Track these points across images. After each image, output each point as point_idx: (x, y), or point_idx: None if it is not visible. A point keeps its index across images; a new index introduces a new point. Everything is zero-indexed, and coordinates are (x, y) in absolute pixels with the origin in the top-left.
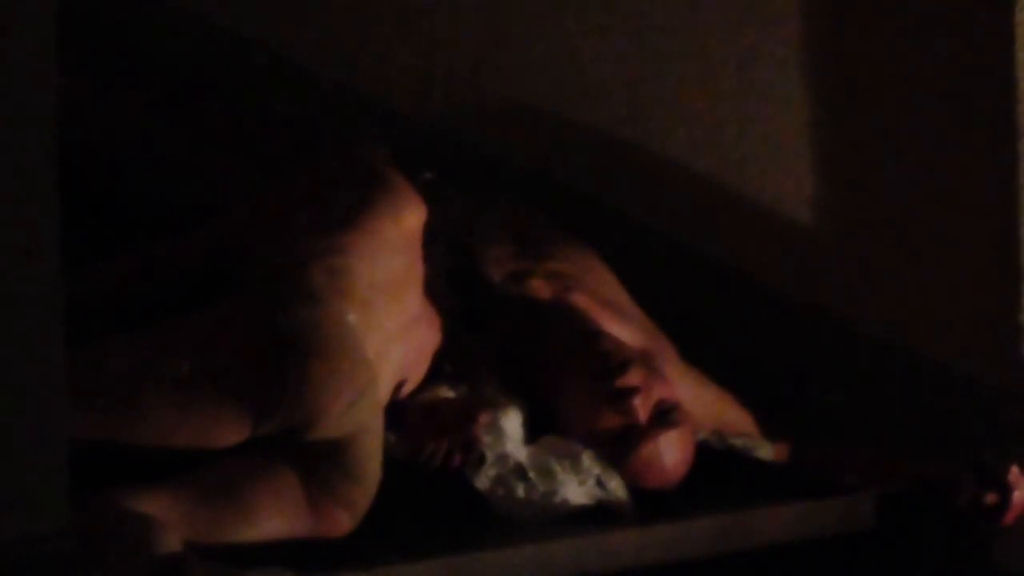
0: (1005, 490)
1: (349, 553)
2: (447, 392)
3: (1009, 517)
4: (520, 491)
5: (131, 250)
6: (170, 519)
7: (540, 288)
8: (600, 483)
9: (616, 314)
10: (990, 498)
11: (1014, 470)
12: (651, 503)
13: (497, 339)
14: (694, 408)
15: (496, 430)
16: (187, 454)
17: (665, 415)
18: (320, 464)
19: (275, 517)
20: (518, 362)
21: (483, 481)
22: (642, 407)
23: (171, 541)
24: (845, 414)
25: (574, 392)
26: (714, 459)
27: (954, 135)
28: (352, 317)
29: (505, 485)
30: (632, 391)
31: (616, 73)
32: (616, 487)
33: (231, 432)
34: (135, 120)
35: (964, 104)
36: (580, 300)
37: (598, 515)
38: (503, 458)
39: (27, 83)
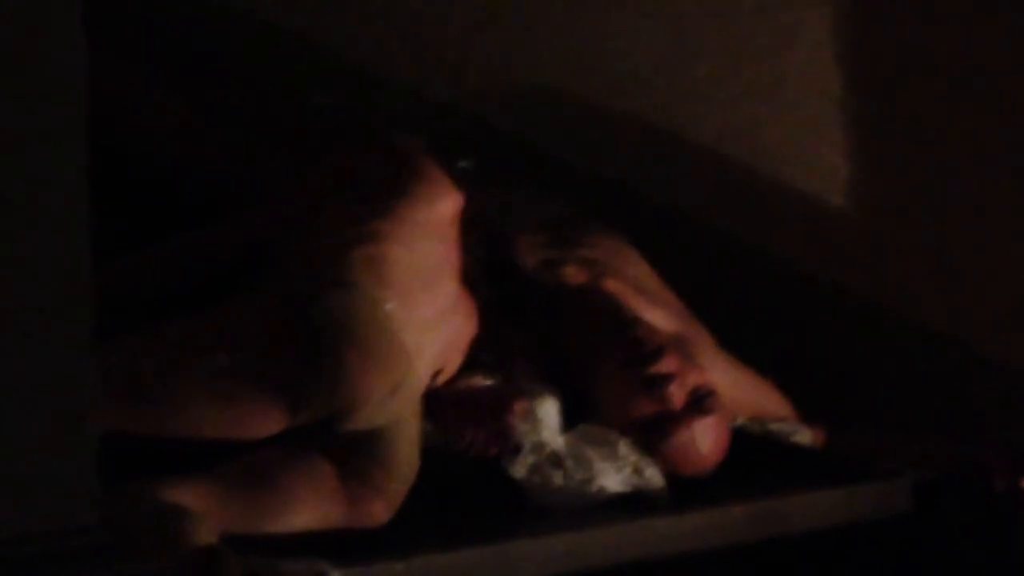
0: None
1: (385, 543)
2: (483, 381)
3: None
4: (556, 479)
5: (164, 241)
6: (205, 510)
7: (574, 275)
8: (636, 470)
9: (650, 301)
10: None
11: None
12: (687, 490)
13: (532, 327)
14: (730, 394)
15: (532, 418)
16: (222, 445)
17: (700, 402)
18: (356, 454)
19: (311, 507)
20: (553, 350)
21: (519, 470)
22: (677, 394)
23: (206, 532)
24: (880, 398)
25: (609, 379)
26: (750, 445)
27: (992, 121)
28: (389, 306)
29: (541, 473)
30: (667, 378)
31: (650, 60)
32: (652, 474)
33: (267, 422)
34: (167, 111)
35: (1003, 88)
36: (614, 287)
37: (634, 503)
38: (539, 446)
39: (57, 73)
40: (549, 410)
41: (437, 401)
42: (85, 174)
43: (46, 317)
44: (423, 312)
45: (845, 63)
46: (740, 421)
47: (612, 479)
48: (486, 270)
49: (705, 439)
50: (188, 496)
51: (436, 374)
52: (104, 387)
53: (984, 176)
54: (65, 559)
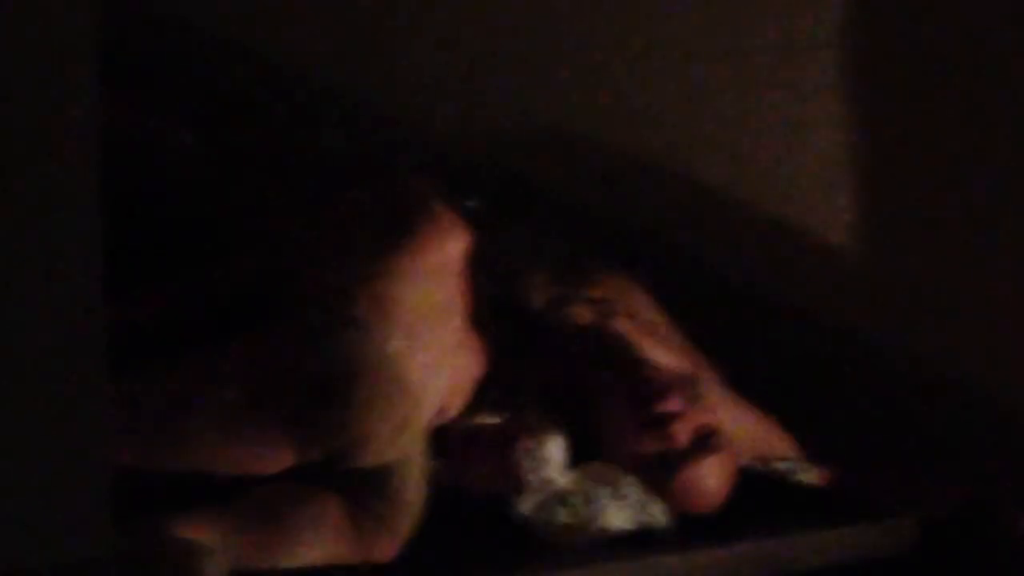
0: None
1: None
2: (489, 418)
3: None
4: (562, 517)
5: (175, 276)
6: (215, 545)
7: (581, 314)
8: (642, 509)
9: (657, 340)
10: None
11: None
12: (692, 528)
13: (539, 365)
14: (736, 433)
15: (538, 456)
16: (232, 480)
17: (706, 440)
18: (364, 491)
19: (319, 543)
20: (560, 388)
21: (525, 507)
22: (683, 432)
23: (216, 568)
24: (886, 437)
25: (615, 417)
26: (756, 484)
27: (1001, 161)
28: (395, 344)
29: (547, 511)
30: (673, 416)
31: (657, 100)
32: (658, 512)
33: (275, 458)
34: (177, 148)
35: (1011, 124)
36: (621, 326)
37: (639, 541)
38: (545, 484)
39: (70, 105)
40: (555, 448)
41: (444, 438)
42: (96, 207)
43: (60, 351)
44: (430, 350)
45: (856, 103)
46: (745, 460)
47: (617, 517)
48: (493, 309)
49: (710, 477)
50: (199, 531)
51: (443, 411)
52: (117, 420)
53: (993, 217)
54: None
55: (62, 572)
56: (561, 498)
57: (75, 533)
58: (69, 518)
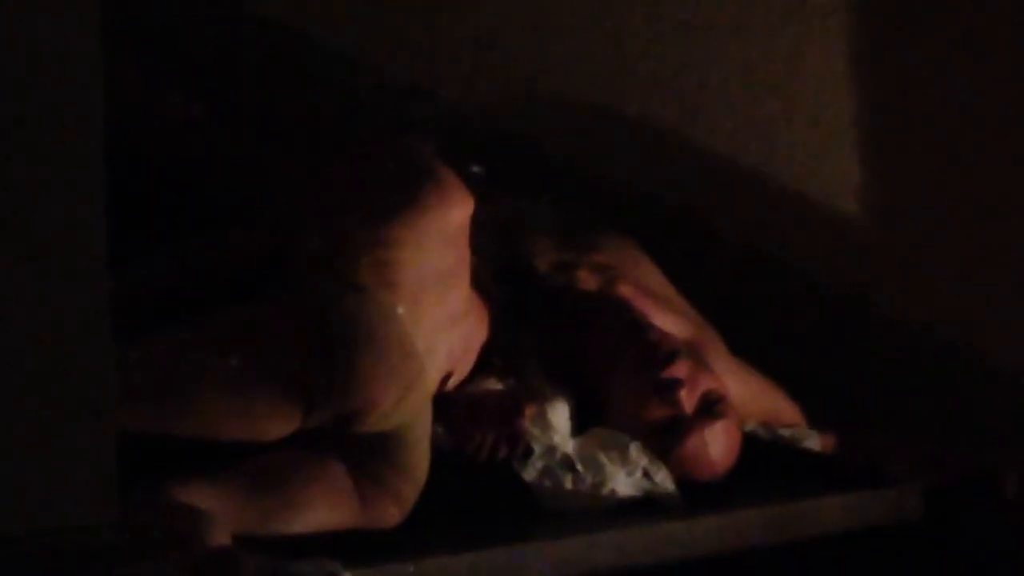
0: None
1: (397, 545)
2: (495, 384)
3: None
4: (567, 483)
5: (179, 245)
6: (219, 511)
7: (586, 280)
8: (647, 475)
9: (662, 305)
10: None
11: None
12: (698, 494)
13: (544, 331)
14: (741, 399)
15: (543, 422)
16: (236, 447)
17: (711, 406)
18: (368, 457)
19: (323, 509)
20: (565, 354)
21: (530, 473)
22: (688, 398)
23: (220, 533)
24: (891, 404)
25: (621, 383)
26: (761, 450)
27: (1007, 123)
28: (400, 310)
29: (552, 477)
30: (678, 382)
31: (663, 66)
32: (663, 479)
33: (280, 425)
34: (179, 114)
35: (1015, 91)
36: (626, 292)
37: (645, 507)
38: (550, 450)
39: (73, 75)
40: (560, 414)
41: (449, 404)
42: (101, 175)
43: (66, 318)
44: (435, 316)
45: (858, 69)
46: (751, 426)
47: (623, 483)
48: (498, 274)
49: (716, 444)
50: (203, 497)
51: (448, 377)
52: (122, 387)
53: (999, 180)
54: (81, 557)
55: (66, 537)
56: (567, 464)
57: (81, 499)
58: (75, 484)
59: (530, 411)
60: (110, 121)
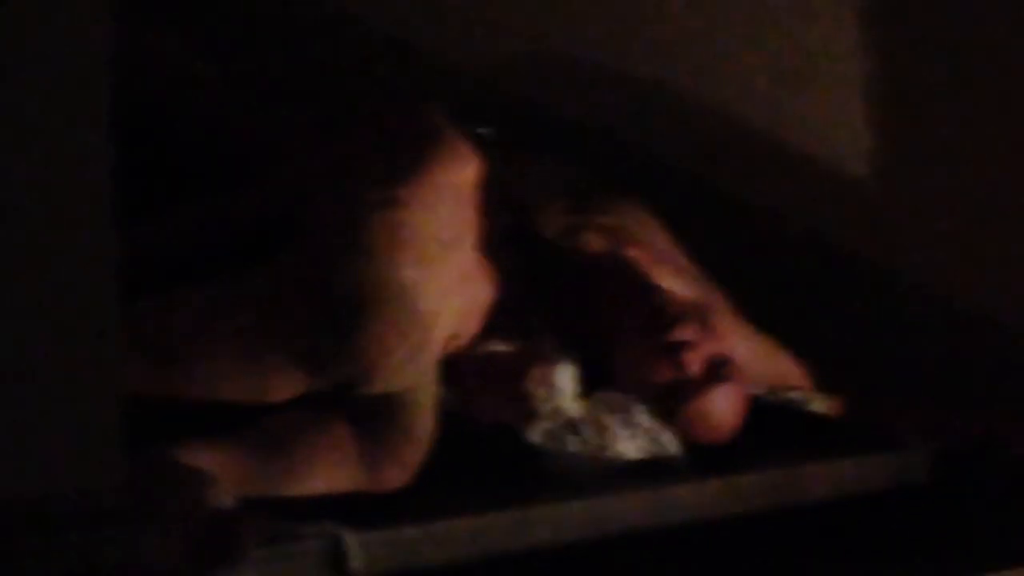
0: None
1: (402, 508)
2: (501, 346)
3: None
4: (573, 445)
5: (187, 204)
6: (224, 473)
7: (594, 242)
8: (653, 437)
9: (670, 268)
10: None
11: None
12: (704, 458)
13: (551, 294)
14: (748, 362)
15: (549, 384)
16: (241, 408)
17: (718, 369)
18: (373, 419)
19: (328, 472)
20: (572, 316)
21: (536, 435)
22: (695, 361)
23: (225, 496)
24: (898, 367)
25: (627, 346)
26: (768, 413)
27: (1017, 86)
28: (408, 271)
29: (558, 439)
30: (685, 345)
31: (674, 31)
32: (669, 442)
33: (286, 386)
34: (191, 73)
35: None
36: (634, 254)
37: (651, 470)
38: (556, 412)
39: (79, 32)
40: (566, 376)
41: (455, 366)
42: (108, 133)
43: (71, 279)
44: (442, 278)
45: (868, 35)
46: (757, 389)
47: (629, 446)
48: (505, 236)
49: (722, 407)
50: (207, 459)
51: (454, 339)
52: (128, 350)
53: (1008, 145)
54: (85, 520)
55: (70, 500)
56: (572, 427)
57: (85, 462)
58: (79, 447)
59: (536, 373)
60: (118, 80)
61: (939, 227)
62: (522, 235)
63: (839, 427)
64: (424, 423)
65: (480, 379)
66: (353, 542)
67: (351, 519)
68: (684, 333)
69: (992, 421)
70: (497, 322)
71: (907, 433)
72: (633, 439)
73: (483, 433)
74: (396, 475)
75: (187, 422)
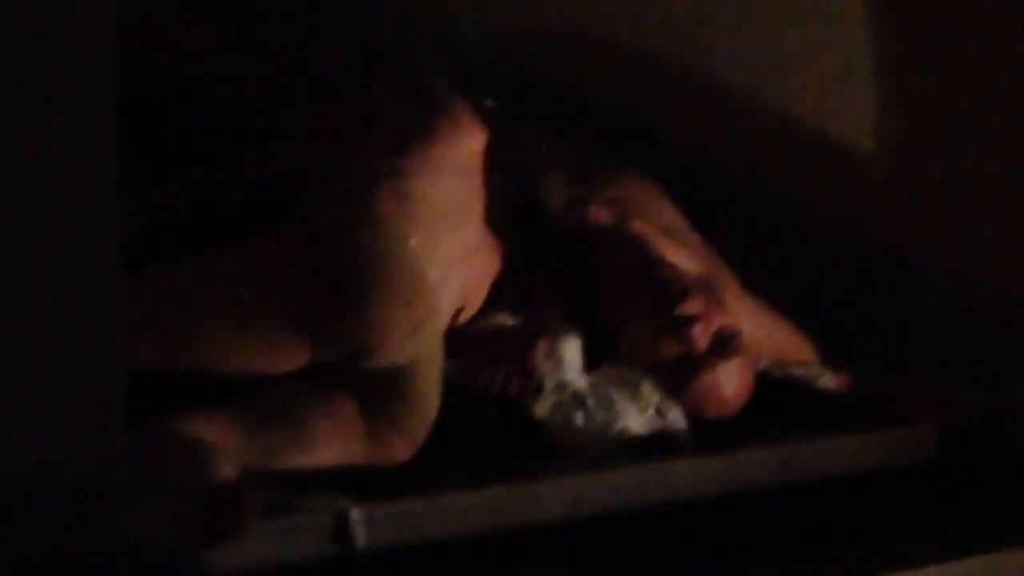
0: None
1: (406, 481)
2: (506, 320)
3: None
4: (579, 419)
5: (191, 174)
6: (228, 445)
7: (599, 215)
8: (659, 412)
9: (676, 242)
10: None
11: None
12: (710, 433)
13: (557, 267)
14: (754, 337)
15: (555, 358)
16: (245, 380)
17: (725, 344)
18: (379, 391)
19: (332, 444)
20: (577, 290)
21: (542, 409)
22: (702, 335)
23: (229, 468)
24: (905, 344)
25: (633, 320)
26: (774, 389)
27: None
28: (413, 242)
29: (564, 413)
30: (692, 319)
31: (681, 5)
32: (675, 416)
33: (289, 357)
34: (194, 42)
35: None
36: (640, 227)
37: (657, 444)
38: (562, 386)
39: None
40: (572, 350)
41: (460, 339)
42: (112, 104)
43: (74, 249)
44: (447, 249)
45: (875, 5)
46: (763, 365)
47: (634, 420)
48: (511, 209)
49: (729, 381)
50: (211, 431)
51: (459, 312)
52: (130, 319)
53: (1014, 119)
54: (88, 492)
55: (73, 472)
56: (578, 401)
57: (88, 433)
58: (82, 418)
59: (541, 347)
60: (122, 47)
61: (947, 201)
62: (527, 207)
63: (845, 403)
64: (429, 396)
65: (485, 352)
66: (358, 516)
67: (356, 492)
68: (691, 307)
69: (998, 398)
70: (502, 295)
71: (912, 410)
72: (639, 413)
73: (488, 407)
74: (401, 448)
75: (191, 394)
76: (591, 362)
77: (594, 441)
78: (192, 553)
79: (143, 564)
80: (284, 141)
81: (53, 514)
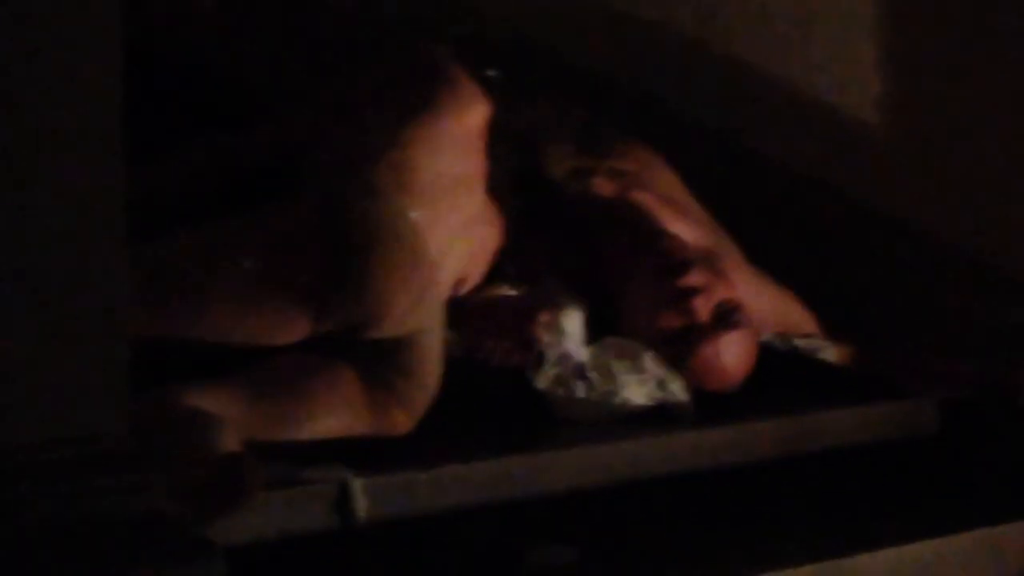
0: None
1: (408, 453)
2: (508, 291)
3: None
4: (580, 391)
5: (194, 145)
6: (229, 417)
7: (602, 186)
8: (661, 384)
9: (679, 213)
10: None
11: None
12: (712, 405)
13: (559, 238)
14: (757, 309)
15: (557, 329)
16: (247, 351)
17: (727, 316)
18: (380, 363)
19: (334, 416)
20: (579, 261)
21: (543, 381)
22: (704, 307)
23: (230, 439)
24: (907, 316)
25: (635, 291)
26: (777, 361)
27: None
28: (415, 214)
29: (565, 385)
30: (694, 291)
31: None
32: (677, 388)
33: (291, 329)
34: (200, 12)
35: None
36: (642, 198)
37: (658, 416)
38: (563, 358)
39: None
40: (574, 321)
41: (462, 311)
42: (117, 70)
43: (77, 220)
44: (449, 221)
45: None
46: (766, 337)
47: (636, 392)
48: (513, 180)
49: (731, 353)
50: (213, 403)
51: (461, 283)
52: (134, 291)
53: (1016, 95)
54: (91, 465)
55: (76, 445)
56: (579, 372)
57: (91, 406)
58: (85, 391)
59: (543, 318)
60: (127, 14)
61: (949, 175)
62: (530, 179)
63: (848, 375)
64: (431, 367)
65: (487, 324)
66: (359, 487)
67: (357, 463)
68: (693, 279)
69: (1000, 371)
70: (504, 267)
71: (915, 382)
72: (641, 385)
73: (490, 378)
74: (402, 419)
75: (193, 365)
76: (593, 334)
77: (595, 413)
78: (194, 525)
79: (144, 537)
80: (288, 113)
81: (55, 488)
